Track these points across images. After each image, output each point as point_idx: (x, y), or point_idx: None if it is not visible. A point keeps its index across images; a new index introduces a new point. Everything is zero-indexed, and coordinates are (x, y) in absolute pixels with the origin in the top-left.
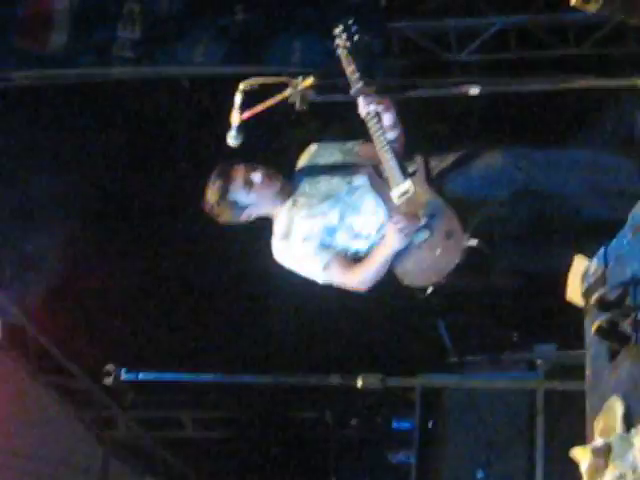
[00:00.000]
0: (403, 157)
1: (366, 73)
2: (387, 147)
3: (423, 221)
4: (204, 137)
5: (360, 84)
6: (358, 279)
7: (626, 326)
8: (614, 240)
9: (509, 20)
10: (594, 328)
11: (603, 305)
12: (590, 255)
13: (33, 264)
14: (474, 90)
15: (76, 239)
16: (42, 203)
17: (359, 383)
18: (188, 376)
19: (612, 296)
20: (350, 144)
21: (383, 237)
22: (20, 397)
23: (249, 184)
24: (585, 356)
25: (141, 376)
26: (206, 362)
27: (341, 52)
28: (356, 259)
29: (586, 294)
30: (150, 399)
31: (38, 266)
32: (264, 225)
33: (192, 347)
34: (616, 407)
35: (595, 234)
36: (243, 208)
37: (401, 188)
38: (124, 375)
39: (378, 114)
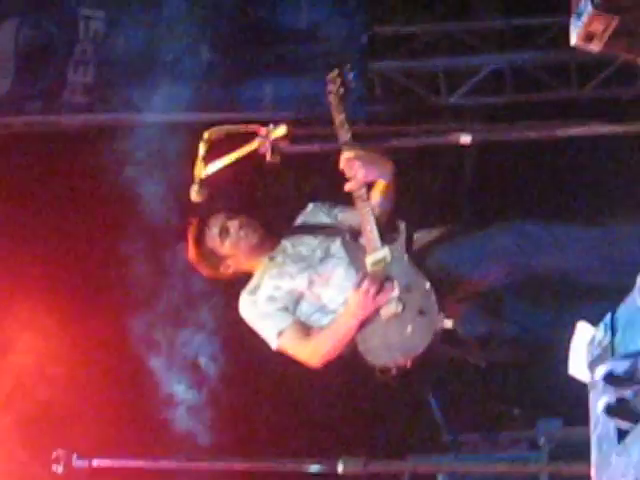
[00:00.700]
0: (386, 223)
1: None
2: (367, 210)
3: (396, 292)
4: (168, 193)
5: (349, 136)
6: (311, 351)
7: (637, 402)
8: (622, 305)
9: (504, 59)
10: (601, 405)
11: (610, 379)
12: (595, 323)
13: None
14: (465, 138)
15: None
16: None
17: (339, 468)
18: (148, 463)
19: (621, 369)
20: (337, 209)
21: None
22: None
23: (225, 232)
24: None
25: (95, 463)
26: (171, 447)
27: (333, 100)
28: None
29: (591, 366)
30: None
31: None
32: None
33: (156, 431)
34: None
35: (603, 302)
36: (220, 258)
37: (376, 255)
38: (75, 462)
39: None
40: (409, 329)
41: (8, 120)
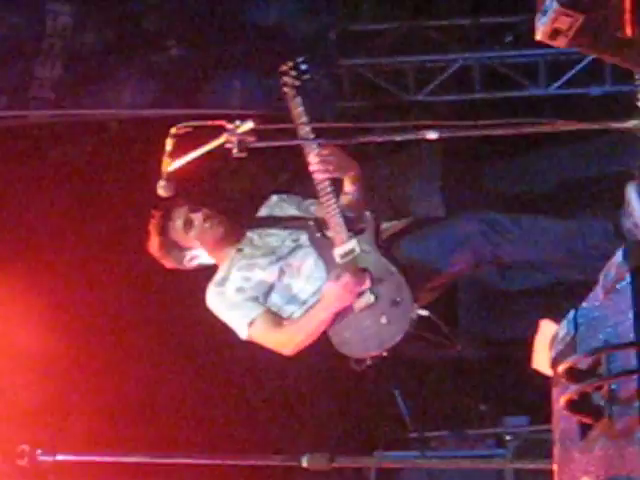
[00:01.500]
0: (352, 214)
1: (314, 115)
2: (333, 204)
3: (368, 284)
4: (133, 187)
5: (308, 129)
6: (283, 339)
7: (599, 398)
8: (585, 302)
9: (473, 57)
10: (563, 401)
11: (573, 375)
12: (559, 319)
13: None
14: (432, 134)
15: None
16: None
17: (304, 463)
18: (112, 457)
19: (583, 365)
20: (309, 201)
21: (320, 296)
22: None
23: (189, 224)
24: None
25: (59, 457)
26: (135, 443)
27: (288, 92)
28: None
29: (554, 362)
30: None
31: None
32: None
33: (119, 427)
34: None
35: (569, 297)
36: (184, 250)
37: (345, 247)
38: (40, 456)
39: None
40: (383, 320)
41: None
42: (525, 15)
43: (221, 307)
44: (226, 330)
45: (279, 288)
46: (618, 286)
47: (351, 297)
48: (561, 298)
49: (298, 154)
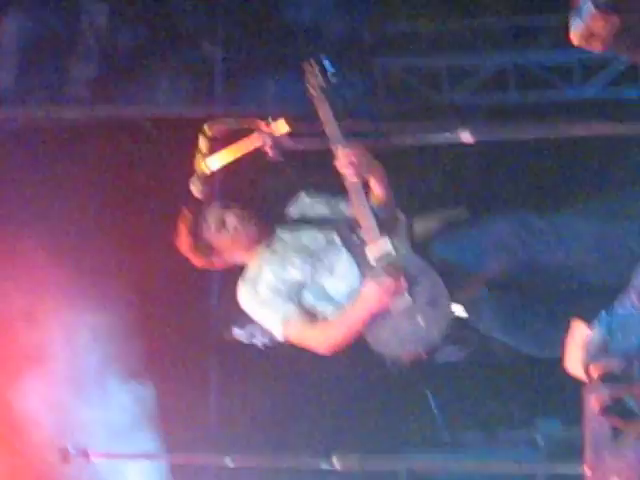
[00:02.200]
0: (384, 214)
1: (347, 116)
2: (364, 203)
3: (405, 285)
4: (167, 185)
5: (335, 129)
6: (321, 338)
7: (631, 401)
8: (617, 303)
9: (508, 58)
10: (595, 404)
11: (605, 377)
12: (591, 320)
13: None
14: (467, 137)
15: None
16: None
17: (335, 464)
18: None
19: (616, 368)
20: (339, 199)
21: (357, 296)
22: None
23: (222, 224)
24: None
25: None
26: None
27: (313, 92)
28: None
29: (587, 365)
30: None
31: None
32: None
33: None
34: None
35: (602, 299)
36: (215, 251)
37: (379, 248)
38: None
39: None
40: (420, 321)
41: (11, 114)
42: (560, 15)
43: (254, 305)
44: None
45: (312, 286)
46: None
47: (388, 298)
48: (594, 300)
49: (329, 154)
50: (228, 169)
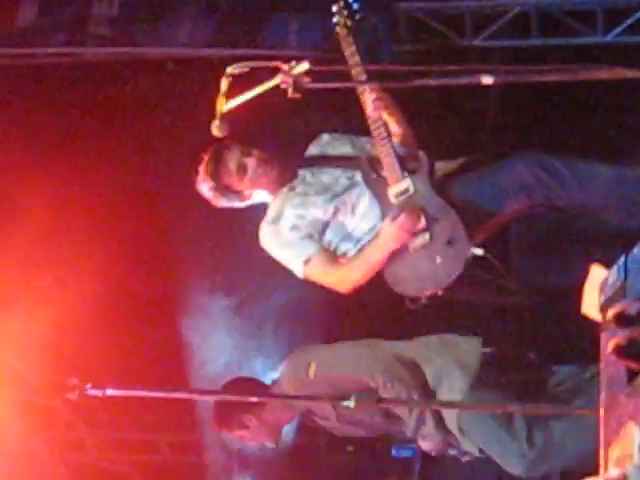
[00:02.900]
0: (406, 153)
1: (370, 57)
2: (385, 141)
3: (423, 223)
4: (189, 126)
5: (361, 69)
6: (341, 277)
7: None
8: (636, 248)
9: (530, 3)
10: (611, 346)
11: (621, 320)
12: (610, 265)
13: None
14: (487, 79)
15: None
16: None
17: (351, 403)
18: (162, 393)
19: (632, 310)
20: (364, 139)
21: (377, 235)
22: None
23: (243, 169)
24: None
25: (109, 392)
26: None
27: (340, 32)
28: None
29: (603, 307)
30: (123, 420)
31: None
32: None
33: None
34: (634, 434)
35: (621, 244)
36: (237, 193)
37: (400, 187)
38: (90, 390)
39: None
40: (438, 259)
41: (32, 51)
42: None
43: (275, 245)
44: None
45: (333, 226)
46: None
47: (407, 237)
48: (614, 244)
49: (352, 96)
50: (250, 112)
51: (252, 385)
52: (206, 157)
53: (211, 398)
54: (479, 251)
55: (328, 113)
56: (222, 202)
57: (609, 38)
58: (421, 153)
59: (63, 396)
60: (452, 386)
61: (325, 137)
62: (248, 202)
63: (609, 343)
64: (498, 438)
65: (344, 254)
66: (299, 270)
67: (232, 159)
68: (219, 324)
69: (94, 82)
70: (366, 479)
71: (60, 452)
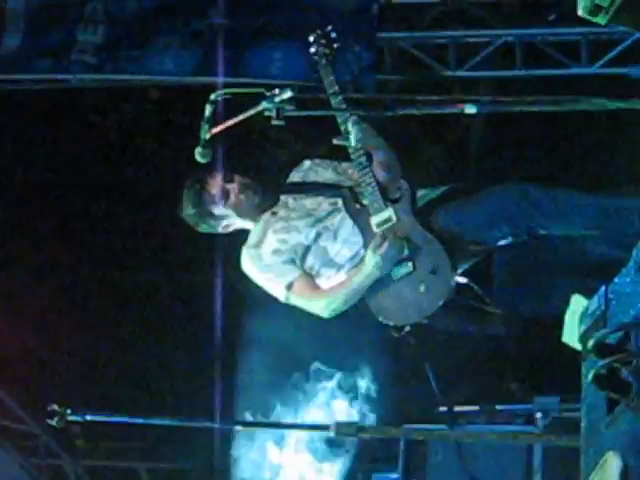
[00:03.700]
0: (388, 182)
1: (354, 87)
2: (366, 170)
3: (406, 252)
4: (174, 154)
5: (340, 98)
6: (322, 304)
7: (627, 374)
8: (616, 278)
9: (515, 34)
10: (591, 375)
11: (602, 350)
12: (590, 295)
13: None
14: (470, 109)
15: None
16: None
17: (332, 432)
18: (142, 419)
19: (612, 340)
20: (346, 164)
21: (360, 262)
22: None
23: (225, 195)
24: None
25: (88, 417)
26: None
27: (319, 61)
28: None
29: (584, 337)
30: (102, 447)
31: None
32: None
33: (150, 391)
34: (613, 464)
35: (602, 274)
36: (220, 219)
37: (382, 216)
38: (70, 416)
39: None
40: (422, 288)
41: (17, 77)
42: None
43: (257, 270)
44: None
45: (315, 251)
46: None
47: (390, 265)
48: (594, 274)
49: (335, 125)
50: (233, 139)
51: None
52: (188, 183)
53: (192, 425)
54: (463, 280)
55: (311, 143)
56: (204, 228)
57: (593, 69)
58: (403, 182)
59: (43, 422)
60: None
61: (307, 163)
62: (230, 229)
63: (589, 372)
64: None
65: (326, 279)
66: (281, 294)
67: (215, 185)
68: None
69: (78, 109)
70: None
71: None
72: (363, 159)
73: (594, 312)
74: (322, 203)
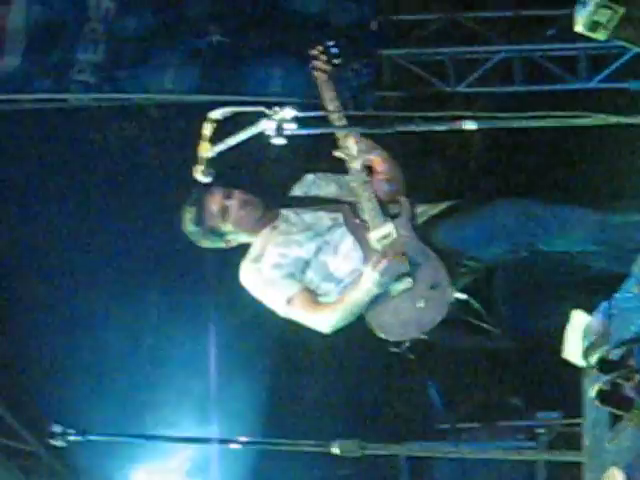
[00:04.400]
0: (388, 197)
1: (354, 104)
2: (367, 186)
3: (405, 268)
4: (172, 172)
5: (340, 114)
6: (322, 319)
7: (629, 389)
8: (618, 294)
9: (514, 49)
10: (594, 391)
11: (605, 366)
12: (591, 310)
13: None
14: (470, 125)
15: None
16: None
17: (335, 450)
18: (143, 439)
19: (614, 356)
20: (348, 178)
21: (358, 278)
22: None
23: (225, 212)
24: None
25: (90, 437)
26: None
27: (319, 77)
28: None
29: (586, 353)
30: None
31: None
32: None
33: (154, 408)
34: (616, 479)
35: (603, 289)
36: (221, 235)
37: (381, 231)
38: (72, 436)
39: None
40: (421, 304)
41: (16, 97)
42: (567, 8)
43: (257, 284)
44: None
45: (315, 265)
46: None
47: (389, 282)
48: (595, 289)
49: (333, 143)
50: (233, 158)
51: None
52: (189, 200)
53: (197, 445)
54: (462, 296)
55: (311, 158)
56: (206, 244)
57: (592, 84)
58: (403, 198)
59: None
60: None
61: (310, 177)
62: (232, 244)
63: (592, 388)
64: None
65: (325, 294)
66: (281, 309)
67: (214, 202)
68: None
69: (78, 128)
70: None
71: None
72: (363, 174)
73: (596, 328)
74: (323, 218)
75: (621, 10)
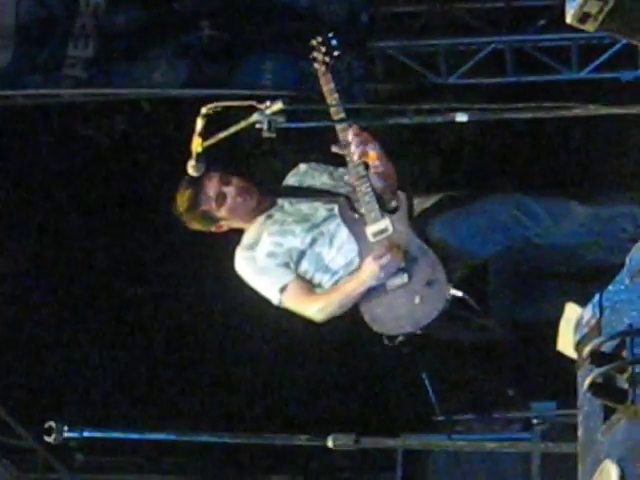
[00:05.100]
0: (384, 191)
1: (345, 97)
2: (364, 179)
3: (402, 263)
4: (165, 166)
5: (338, 107)
6: (316, 307)
7: (622, 382)
8: (610, 286)
9: (505, 40)
10: (587, 383)
11: (597, 358)
12: (585, 302)
13: None
14: (461, 117)
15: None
16: None
17: (330, 443)
18: (139, 435)
19: (607, 348)
20: (342, 170)
21: (355, 270)
22: None
23: (221, 198)
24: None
25: (86, 433)
26: (165, 421)
27: (319, 68)
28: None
29: (579, 345)
30: (101, 461)
31: None
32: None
33: (151, 404)
34: (610, 473)
35: (596, 281)
36: (215, 220)
37: (378, 226)
38: (67, 432)
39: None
40: (417, 299)
41: (8, 93)
42: None
43: (251, 272)
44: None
45: (310, 255)
46: None
47: (386, 276)
48: (589, 281)
49: (328, 134)
50: (226, 152)
51: None
52: (185, 183)
53: (190, 439)
54: (458, 293)
55: (304, 151)
56: (197, 226)
57: (583, 74)
58: (400, 192)
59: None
60: None
61: (303, 167)
62: (224, 229)
63: (585, 381)
64: None
65: (319, 285)
66: (275, 297)
67: (212, 186)
68: None
69: (69, 123)
70: None
71: None
72: (361, 168)
73: (589, 320)
74: (319, 208)
75: (610, 2)
